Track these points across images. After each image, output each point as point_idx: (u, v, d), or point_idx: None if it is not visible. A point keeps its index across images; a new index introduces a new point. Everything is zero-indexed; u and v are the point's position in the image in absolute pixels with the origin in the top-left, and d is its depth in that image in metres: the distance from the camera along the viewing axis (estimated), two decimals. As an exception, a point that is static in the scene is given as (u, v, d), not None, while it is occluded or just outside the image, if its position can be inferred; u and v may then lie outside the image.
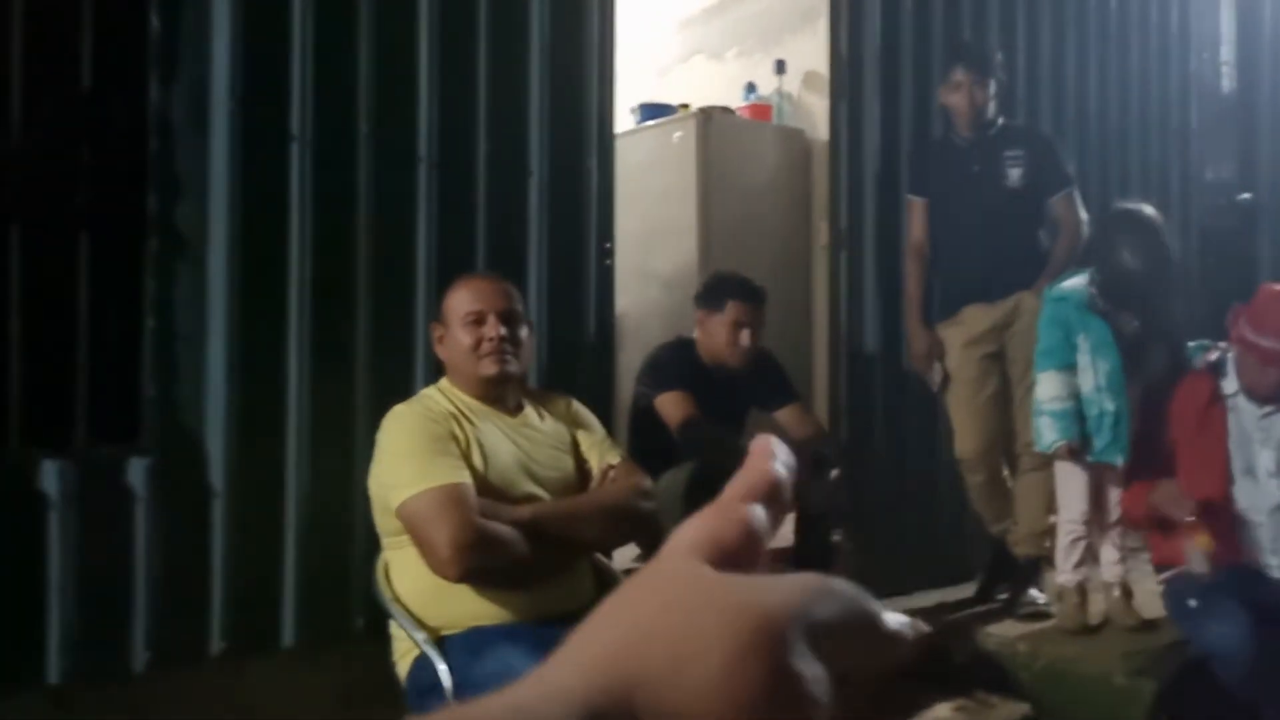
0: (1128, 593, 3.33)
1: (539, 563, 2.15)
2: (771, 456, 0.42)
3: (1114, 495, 3.29)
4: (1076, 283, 3.25)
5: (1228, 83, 5.78)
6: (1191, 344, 3.26)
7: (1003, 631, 3.32)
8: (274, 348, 2.54)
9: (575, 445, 2.37)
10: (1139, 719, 2.93)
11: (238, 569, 2.48)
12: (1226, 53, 5.78)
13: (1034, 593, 3.55)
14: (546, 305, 3.02)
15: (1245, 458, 3.06)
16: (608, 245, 3.15)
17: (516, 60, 2.95)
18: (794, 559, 3.27)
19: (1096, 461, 3.24)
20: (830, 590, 0.35)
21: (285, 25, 2.52)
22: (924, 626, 0.38)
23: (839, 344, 3.97)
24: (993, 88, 3.71)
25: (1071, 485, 3.28)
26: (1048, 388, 3.25)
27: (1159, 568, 3.14)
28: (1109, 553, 3.32)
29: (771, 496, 0.40)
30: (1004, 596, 3.60)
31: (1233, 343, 3.08)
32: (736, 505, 0.39)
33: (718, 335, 3.24)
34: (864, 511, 3.81)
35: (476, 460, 2.18)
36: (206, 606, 2.44)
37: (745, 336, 3.26)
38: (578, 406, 2.45)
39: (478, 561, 2.05)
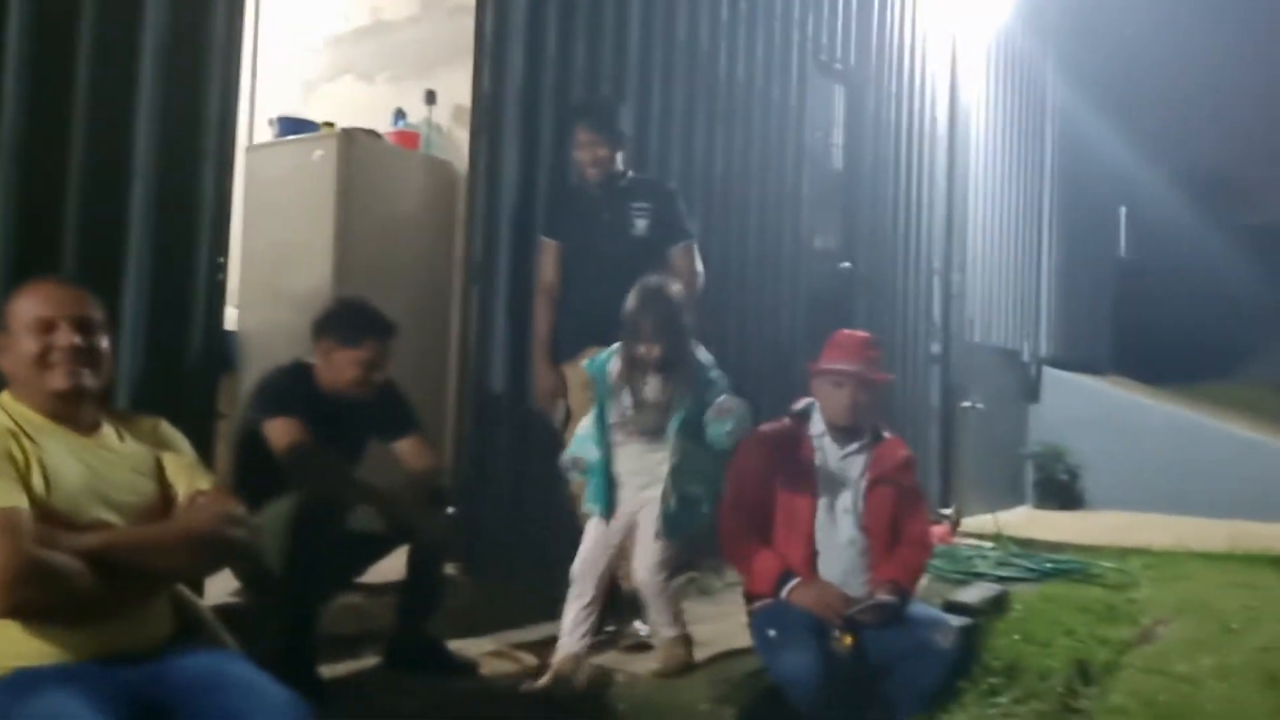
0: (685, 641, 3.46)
1: (107, 596, 1.98)
2: None
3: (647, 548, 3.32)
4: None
5: (836, 161, 6.43)
6: (801, 404, 3.53)
7: (607, 662, 3.44)
8: None
9: (160, 469, 2.21)
10: (719, 745, 3.13)
11: None
12: (837, 135, 6.44)
13: (638, 625, 3.70)
14: (146, 320, 2.80)
15: (827, 494, 3.38)
16: (221, 259, 2.98)
17: (124, 53, 2.74)
18: (404, 591, 3.23)
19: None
20: None
21: None
22: None
23: (467, 378, 3.99)
24: (616, 143, 3.90)
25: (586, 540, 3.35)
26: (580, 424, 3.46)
27: (750, 598, 3.39)
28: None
29: None
30: (611, 629, 3.74)
31: (812, 376, 3.42)
32: None
33: (347, 371, 3.14)
34: (483, 546, 3.83)
35: (37, 482, 1.98)
36: None
37: (380, 376, 3.20)
38: (166, 427, 2.29)
39: (30, 595, 1.87)
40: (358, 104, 4.95)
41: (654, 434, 3.27)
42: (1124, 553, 6.12)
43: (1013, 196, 8.83)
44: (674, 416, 3.26)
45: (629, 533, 3.31)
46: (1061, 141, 9.75)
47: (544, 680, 3.16)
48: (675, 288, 3.34)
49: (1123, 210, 12.01)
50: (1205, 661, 4.31)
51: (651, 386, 3.25)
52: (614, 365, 3.31)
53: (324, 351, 3.17)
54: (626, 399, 3.27)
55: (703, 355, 3.38)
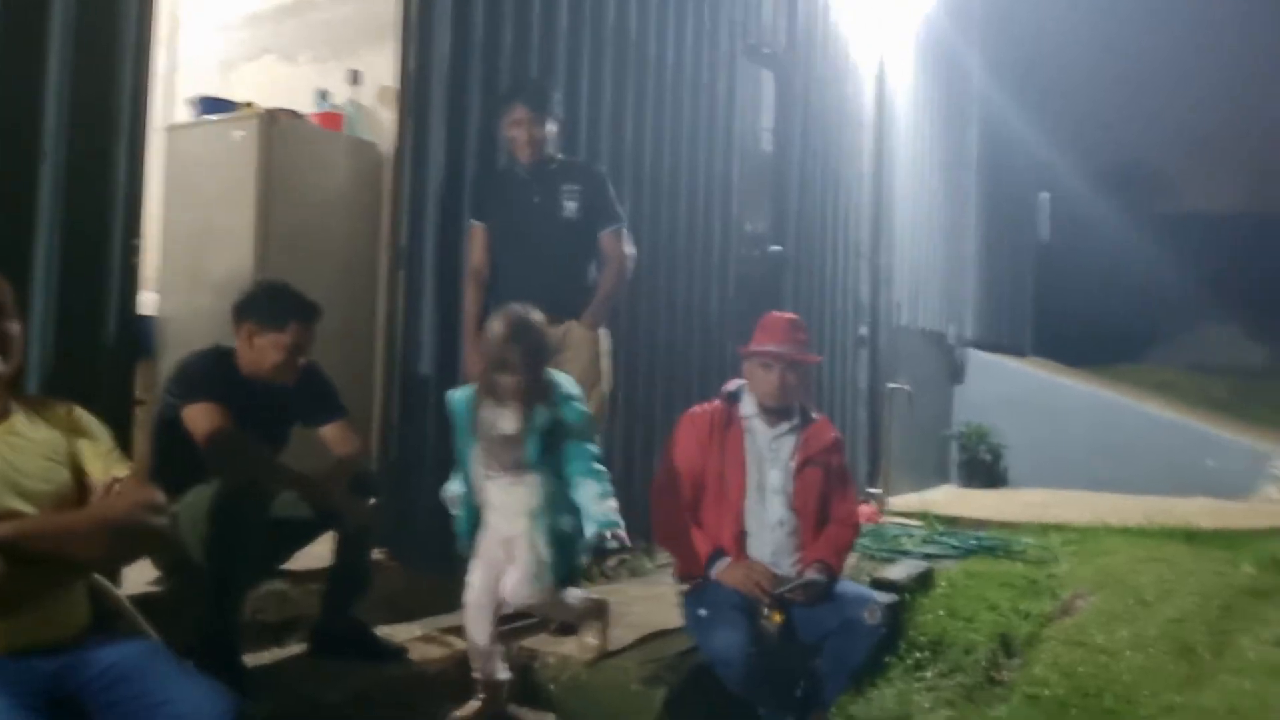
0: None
1: (20, 586, 1.92)
2: None
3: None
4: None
5: (766, 146, 6.47)
6: (732, 387, 3.54)
7: (534, 645, 3.44)
8: None
9: (75, 456, 2.15)
10: (649, 724, 3.15)
11: None
12: (766, 119, 6.47)
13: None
14: (57, 304, 2.71)
15: (757, 475, 3.42)
16: (135, 241, 2.90)
17: (31, 28, 2.63)
18: (330, 577, 3.19)
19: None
20: None
21: None
22: None
23: (393, 363, 3.95)
24: (551, 125, 3.89)
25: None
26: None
27: (681, 579, 3.41)
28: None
29: None
30: (540, 612, 3.73)
31: (744, 358, 3.45)
32: None
33: (270, 356, 3.08)
34: (410, 531, 3.80)
35: (-56, 472, 1.92)
36: None
37: (303, 360, 3.15)
38: (80, 414, 2.23)
39: (-61, 587, 1.81)
40: (279, 84, 4.83)
41: (516, 467, 3.04)
42: (1044, 529, 6.28)
43: (938, 182, 8.96)
44: (527, 449, 3.02)
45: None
46: (985, 129, 9.92)
47: (470, 708, 3.12)
48: (539, 316, 3.12)
49: (1044, 196, 12.26)
50: (1122, 633, 4.45)
51: (507, 419, 3.03)
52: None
53: (245, 335, 3.11)
54: (487, 432, 3.06)
55: (567, 385, 3.16)
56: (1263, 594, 5.05)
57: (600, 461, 3.10)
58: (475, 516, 3.13)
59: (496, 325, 3.07)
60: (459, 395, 3.16)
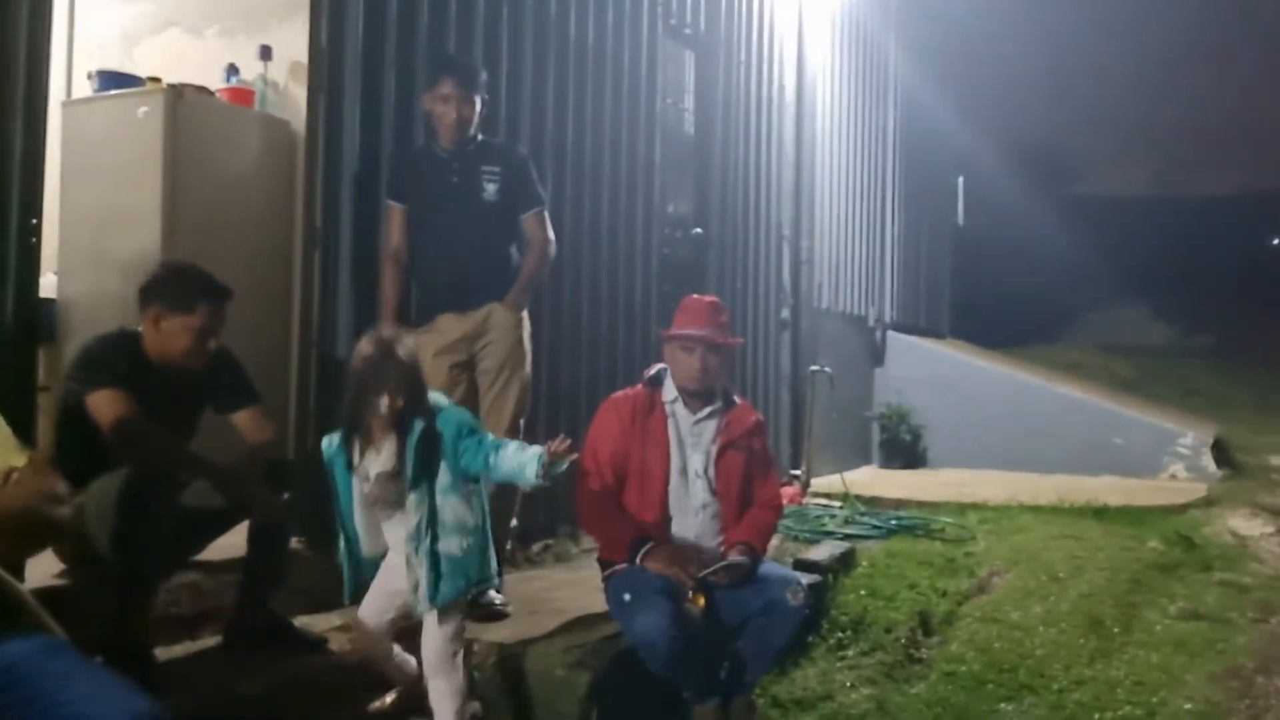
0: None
1: (-89, 583, 1.83)
2: None
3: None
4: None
5: (688, 127, 6.45)
6: (653, 371, 3.52)
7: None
8: None
9: (-33, 446, 2.05)
10: (575, 708, 3.14)
11: None
12: (688, 100, 6.45)
13: (493, 594, 3.66)
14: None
15: (680, 459, 3.41)
16: (34, 221, 2.78)
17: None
18: (245, 568, 3.11)
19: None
20: None
21: None
22: None
23: (309, 347, 3.85)
24: (478, 104, 3.82)
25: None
26: None
27: (605, 564, 3.39)
28: None
29: None
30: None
31: (664, 341, 3.44)
32: None
33: (179, 340, 2.98)
34: (327, 520, 3.71)
35: None
36: None
37: (213, 344, 3.05)
38: (-27, 402, 2.12)
39: None
40: (185, 59, 4.67)
41: (402, 502, 2.81)
42: (962, 508, 6.39)
43: (858, 165, 9.04)
44: (406, 469, 2.79)
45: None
46: (903, 113, 10.02)
47: (390, 699, 3.05)
48: (411, 339, 2.92)
49: (960, 180, 12.46)
50: (1036, 609, 4.55)
51: (385, 453, 2.79)
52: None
53: (152, 318, 3.00)
54: (366, 468, 2.82)
55: (437, 397, 2.94)
56: (1168, 569, 5.22)
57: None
58: (360, 568, 2.92)
59: (364, 346, 2.82)
60: (339, 441, 2.89)
